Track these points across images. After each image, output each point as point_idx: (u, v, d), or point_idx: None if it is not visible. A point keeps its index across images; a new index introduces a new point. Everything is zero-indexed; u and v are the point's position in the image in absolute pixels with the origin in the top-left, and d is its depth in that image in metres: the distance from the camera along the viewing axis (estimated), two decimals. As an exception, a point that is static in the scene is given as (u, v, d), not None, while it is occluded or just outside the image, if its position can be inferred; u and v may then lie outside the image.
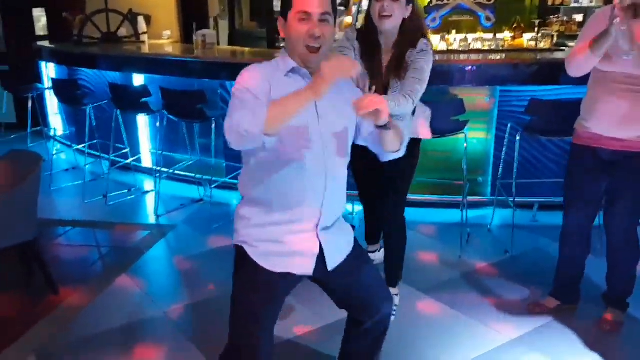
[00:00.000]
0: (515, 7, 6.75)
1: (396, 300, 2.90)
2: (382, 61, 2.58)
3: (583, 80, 2.64)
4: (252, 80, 1.73)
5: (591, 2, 6.65)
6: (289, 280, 1.88)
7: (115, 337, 2.76)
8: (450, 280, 3.27)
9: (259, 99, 1.67)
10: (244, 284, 1.88)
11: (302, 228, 1.85)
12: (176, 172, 4.75)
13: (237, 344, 1.89)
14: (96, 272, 3.51)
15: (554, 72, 3.69)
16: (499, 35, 6.08)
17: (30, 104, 5.79)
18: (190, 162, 4.80)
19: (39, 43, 6.24)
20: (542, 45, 5.36)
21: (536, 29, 5.74)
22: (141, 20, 6.16)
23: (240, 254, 1.89)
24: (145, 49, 5.58)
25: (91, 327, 2.83)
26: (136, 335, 2.78)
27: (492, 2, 6.33)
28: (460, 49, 5.38)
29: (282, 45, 7.93)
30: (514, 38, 5.89)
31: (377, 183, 2.88)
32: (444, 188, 4.15)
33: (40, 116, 6.16)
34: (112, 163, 4.85)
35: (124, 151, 5.04)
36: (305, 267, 1.86)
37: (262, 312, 1.86)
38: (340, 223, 1.99)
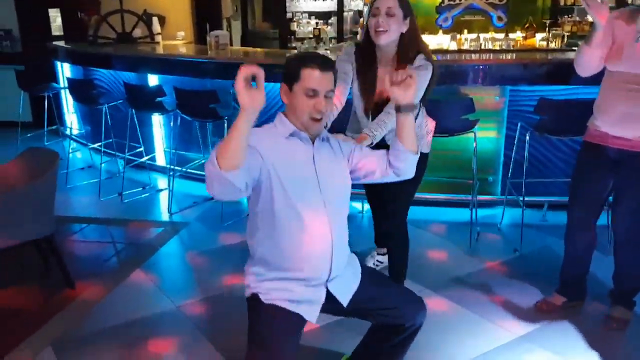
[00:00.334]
0: (528, 7, 6.75)
1: None
2: (376, 76, 2.57)
3: (593, 80, 2.67)
4: None
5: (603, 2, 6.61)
6: (302, 318, 1.93)
7: (130, 330, 2.82)
8: (459, 278, 3.30)
9: None
10: (262, 326, 1.88)
11: (313, 283, 1.92)
12: (189, 170, 4.80)
13: None
14: (111, 268, 3.57)
15: (564, 72, 3.68)
16: (511, 35, 6.10)
17: (46, 103, 5.90)
18: (203, 161, 4.81)
19: (55, 43, 6.30)
20: (553, 45, 5.37)
21: (547, 29, 5.74)
22: (155, 21, 6.22)
23: (252, 304, 1.95)
24: (160, 50, 5.63)
25: (106, 321, 2.90)
26: (150, 329, 2.84)
27: (504, 2, 6.34)
28: (472, 48, 5.39)
29: (294, 45, 7.99)
30: (525, 38, 5.91)
31: (376, 192, 2.89)
32: (454, 187, 4.16)
33: (56, 115, 6.25)
34: (127, 161, 4.92)
35: (139, 150, 5.10)
36: (311, 314, 1.92)
37: (284, 341, 1.85)
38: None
